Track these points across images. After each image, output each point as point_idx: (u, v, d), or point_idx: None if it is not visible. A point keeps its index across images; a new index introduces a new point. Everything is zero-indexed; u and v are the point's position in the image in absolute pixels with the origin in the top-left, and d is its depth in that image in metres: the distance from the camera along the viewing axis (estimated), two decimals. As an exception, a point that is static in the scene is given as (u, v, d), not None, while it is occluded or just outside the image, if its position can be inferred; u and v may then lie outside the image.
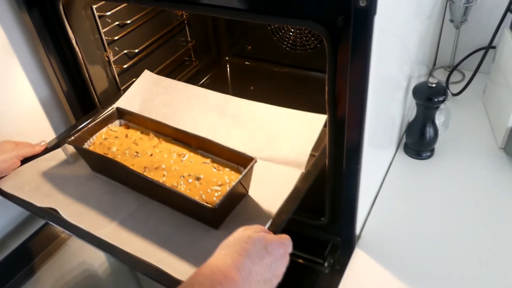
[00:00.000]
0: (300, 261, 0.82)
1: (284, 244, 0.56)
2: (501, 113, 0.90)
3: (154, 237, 0.68)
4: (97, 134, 0.84)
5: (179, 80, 1.18)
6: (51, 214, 0.72)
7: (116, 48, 1.00)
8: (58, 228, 0.71)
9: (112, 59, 0.97)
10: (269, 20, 0.62)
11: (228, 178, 0.73)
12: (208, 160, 0.77)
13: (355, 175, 0.66)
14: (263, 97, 0.89)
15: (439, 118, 0.90)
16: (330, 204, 0.75)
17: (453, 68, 1.07)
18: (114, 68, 0.99)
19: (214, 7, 0.63)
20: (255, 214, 0.70)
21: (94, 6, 0.90)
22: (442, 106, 0.87)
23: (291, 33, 1.15)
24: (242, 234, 0.56)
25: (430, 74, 1.15)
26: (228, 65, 1.30)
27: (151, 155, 0.79)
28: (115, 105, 0.90)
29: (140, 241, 0.67)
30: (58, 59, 0.89)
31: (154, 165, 0.77)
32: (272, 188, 0.73)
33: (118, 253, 0.66)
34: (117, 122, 0.88)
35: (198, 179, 0.73)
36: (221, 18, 1.23)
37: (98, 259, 1.01)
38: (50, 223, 0.71)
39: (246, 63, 1.29)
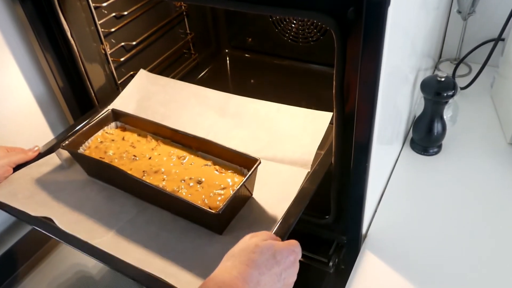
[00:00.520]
0: (302, 259, 0.80)
1: (293, 251, 0.54)
2: (510, 108, 0.88)
3: (155, 244, 0.65)
4: (92, 137, 0.80)
5: (178, 73, 1.16)
6: (46, 224, 0.68)
7: (112, 40, 0.97)
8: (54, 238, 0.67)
9: (108, 52, 0.94)
10: (274, 11, 0.59)
11: (231, 180, 0.70)
12: (210, 162, 0.74)
13: (363, 173, 0.64)
14: (263, 91, 0.87)
15: (446, 113, 0.88)
16: (336, 202, 0.73)
17: (460, 61, 1.05)
18: (111, 61, 0.95)
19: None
20: (260, 218, 0.67)
21: (90, -3, 0.87)
22: (450, 100, 0.84)
23: (293, 25, 1.12)
24: (248, 242, 0.53)
25: (436, 67, 1.12)
26: (228, 58, 1.27)
27: (150, 158, 0.76)
28: (110, 106, 0.86)
29: (140, 250, 0.64)
30: (53, 52, 0.86)
31: (153, 168, 0.73)
32: (277, 190, 0.70)
33: (117, 263, 0.62)
34: (113, 124, 0.83)
35: (199, 182, 0.70)
36: (221, 10, 1.20)
37: (92, 260, 1.00)
38: (45, 233, 0.67)
39: (247, 55, 1.26)
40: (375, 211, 0.79)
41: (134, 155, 0.76)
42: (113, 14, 0.95)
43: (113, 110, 0.83)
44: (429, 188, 0.82)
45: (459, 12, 1.01)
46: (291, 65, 1.19)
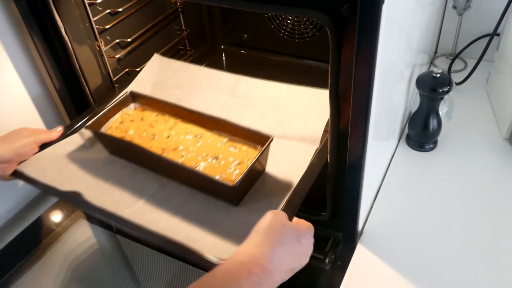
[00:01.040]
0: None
1: (312, 235, 0.59)
2: (506, 103, 0.88)
3: (178, 215, 0.69)
4: (112, 118, 0.84)
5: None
6: (75, 197, 0.72)
7: (107, 37, 0.96)
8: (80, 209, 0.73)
9: (103, 49, 0.94)
10: (269, 9, 0.59)
11: (245, 156, 0.74)
12: (225, 140, 0.78)
13: (359, 170, 0.64)
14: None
15: (442, 109, 0.88)
16: (332, 199, 0.73)
17: (455, 56, 1.05)
18: (106, 58, 0.95)
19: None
20: (273, 191, 0.72)
21: (84, -7, 0.86)
22: (445, 96, 0.84)
23: (288, 21, 1.11)
24: (274, 221, 0.57)
25: (432, 63, 1.12)
26: (224, 54, 1.27)
27: (168, 137, 0.80)
28: (128, 88, 0.91)
29: (164, 220, 0.68)
30: (47, 50, 0.85)
31: (171, 146, 0.78)
32: (288, 165, 0.75)
33: (144, 232, 0.66)
34: (131, 105, 0.88)
35: (216, 158, 0.75)
36: (216, 6, 1.20)
37: (92, 254, 0.99)
38: (75, 205, 0.73)
39: (242, 51, 1.26)
40: (371, 207, 0.79)
41: (153, 134, 0.81)
42: (108, 10, 0.94)
43: (131, 92, 0.88)
44: (425, 184, 0.83)
45: (454, 7, 1.01)
46: (287, 61, 1.19)
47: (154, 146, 0.78)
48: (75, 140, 0.84)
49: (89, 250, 0.97)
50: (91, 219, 0.99)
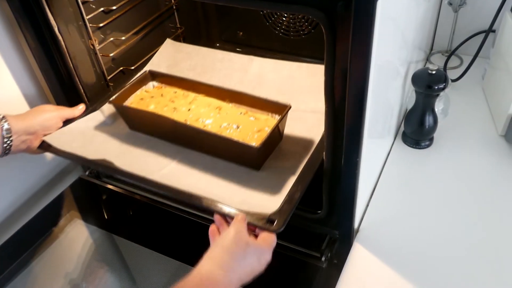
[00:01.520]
0: (291, 254, 0.80)
1: (271, 251, 0.61)
2: (501, 99, 0.88)
3: (203, 180, 0.73)
4: (132, 95, 0.88)
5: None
6: (105, 165, 0.76)
7: (101, 35, 0.96)
8: (112, 175, 0.80)
9: (97, 47, 0.93)
10: (263, 5, 0.59)
11: (265, 125, 0.79)
12: (244, 111, 0.82)
13: (354, 168, 0.64)
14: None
15: (438, 106, 0.88)
16: (328, 197, 0.72)
17: (451, 53, 1.04)
18: (100, 57, 0.94)
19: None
20: (290, 157, 0.75)
21: (77, -9, 0.86)
22: (441, 93, 0.84)
23: (284, 18, 1.11)
24: (238, 239, 0.58)
25: (427, 60, 1.12)
26: (219, 52, 1.26)
27: (189, 110, 0.83)
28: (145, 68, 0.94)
29: (191, 184, 0.71)
30: (40, 49, 0.84)
31: (193, 118, 0.81)
32: (303, 134, 0.79)
33: (174, 190, 0.70)
34: (150, 84, 0.91)
35: (237, 127, 0.79)
36: (212, 3, 1.19)
37: (87, 254, 0.99)
38: (106, 172, 0.78)
39: (238, 49, 1.25)
40: (367, 205, 0.79)
41: (174, 108, 0.84)
42: (102, 8, 0.93)
43: (150, 71, 0.91)
44: (421, 181, 0.82)
45: (450, 3, 1.01)
46: (282, 58, 1.18)
47: (176, 118, 0.80)
48: (97, 117, 0.88)
49: (84, 250, 0.97)
50: (86, 218, 0.98)
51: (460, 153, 0.87)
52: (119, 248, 0.97)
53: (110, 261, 0.97)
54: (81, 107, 0.87)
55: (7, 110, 0.87)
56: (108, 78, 0.98)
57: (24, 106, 0.90)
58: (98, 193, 1.01)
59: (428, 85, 0.78)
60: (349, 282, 0.69)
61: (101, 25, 0.93)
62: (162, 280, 0.87)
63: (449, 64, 1.05)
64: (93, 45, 0.92)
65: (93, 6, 0.91)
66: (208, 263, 0.56)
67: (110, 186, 0.97)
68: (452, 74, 1.02)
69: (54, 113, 0.82)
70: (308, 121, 0.81)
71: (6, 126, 0.75)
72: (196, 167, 0.76)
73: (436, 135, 0.88)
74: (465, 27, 1.06)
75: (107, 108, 0.89)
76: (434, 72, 0.78)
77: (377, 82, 0.60)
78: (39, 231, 0.95)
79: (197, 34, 1.23)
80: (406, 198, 0.80)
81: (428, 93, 0.80)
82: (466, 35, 1.04)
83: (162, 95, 0.88)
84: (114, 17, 0.97)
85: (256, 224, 0.63)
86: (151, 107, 0.85)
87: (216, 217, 0.65)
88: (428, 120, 0.84)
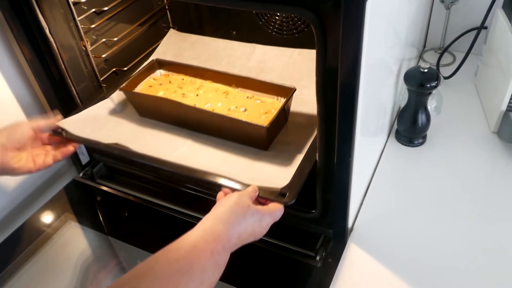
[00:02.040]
0: (286, 253, 0.80)
1: (272, 221, 0.63)
2: (494, 96, 0.88)
3: (214, 161, 0.76)
4: (141, 83, 0.91)
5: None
6: (119, 148, 0.78)
7: (93, 36, 0.95)
8: (127, 157, 0.78)
9: (89, 48, 0.93)
10: (251, 6, 0.59)
11: (271, 107, 0.82)
12: (250, 95, 0.86)
13: (347, 167, 0.64)
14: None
15: (430, 103, 0.88)
16: (322, 196, 0.72)
17: (444, 50, 1.05)
18: (92, 58, 0.94)
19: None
20: (296, 138, 0.79)
21: (68, -7, 0.85)
22: (434, 91, 0.84)
23: (277, 18, 1.11)
24: (241, 200, 0.61)
25: (420, 57, 1.12)
26: (212, 51, 1.26)
27: (197, 95, 0.87)
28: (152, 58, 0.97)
29: (202, 164, 0.73)
30: (32, 51, 0.83)
31: (201, 102, 0.85)
32: (306, 117, 0.82)
33: (189, 169, 0.72)
34: (157, 72, 0.94)
35: (245, 110, 0.82)
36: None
37: (82, 256, 0.99)
38: (122, 155, 0.78)
39: (231, 49, 1.25)
40: (361, 203, 0.79)
41: (183, 94, 0.88)
42: (93, 9, 0.93)
43: (158, 59, 0.95)
44: (415, 179, 0.83)
45: (442, 1, 1.01)
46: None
47: (185, 103, 0.82)
48: (107, 105, 0.91)
49: (79, 252, 0.96)
50: (81, 220, 0.98)
51: (453, 150, 0.87)
52: (114, 250, 0.96)
53: (105, 262, 0.97)
54: (57, 116, 0.83)
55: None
56: (101, 79, 0.97)
57: (16, 109, 0.89)
58: (92, 195, 1.01)
59: (420, 83, 0.78)
60: (344, 280, 0.69)
61: (93, 26, 0.93)
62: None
63: (442, 61, 1.05)
64: (85, 46, 0.92)
65: (85, 7, 0.91)
66: (209, 219, 0.58)
67: (104, 188, 0.97)
68: (445, 71, 1.02)
69: (25, 124, 0.76)
70: (311, 104, 0.83)
71: None
72: (206, 149, 0.79)
73: (429, 132, 0.89)
74: (458, 24, 1.06)
75: (117, 96, 0.92)
76: (426, 70, 0.78)
77: (369, 80, 0.60)
78: (33, 233, 0.95)
79: (190, 34, 1.23)
80: (400, 196, 0.80)
81: (420, 91, 0.80)
82: (459, 32, 1.05)
83: (170, 82, 0.92)
84: (106, 18, 0.96)
85: (268, 198, 0.66)
86: (160, 94, 0.87)
87: (225, 189, 0.68)
88: (421, 118, 0.84)
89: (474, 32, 0.96)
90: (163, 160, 0.75)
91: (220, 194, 0.67)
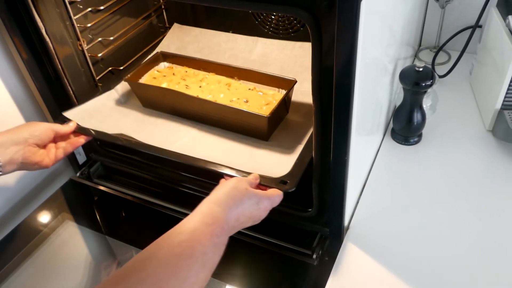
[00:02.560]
0: (283, 252, 0.80)
1: (271, 206, 0.64)
2: (488, 94, 0.89)
3: (216, 151, 0.78)
4: (145, 75, 0.93)
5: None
6: (125, 139, 0.80)
7: (89, 36, 0.95)
8: (132, 147, 0.81)
9: (85, 47, 0.93)
10: (247, 6, 0.59)
11: (273, 98, 0.84)
12: (252, 87, 0.88)
13: (343, 166, 0.64)
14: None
15: (426, 102, 0.88)
16: (318, 195, 0.73)
17: (439, 49, 1.05)
18: (88, 58, 0.94)
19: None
20: (296, 129, 0.81)
21: (63, -8, 0.85)
22: (429, 89, 0.85)
23: (273, 17, 1.11)
24: (239, 185, 0.62)
25: (416, 56, 1.13)
26: (208, 51, 1.26)
27: (200, 87, 0.89)
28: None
29: (205, 154, 0.75)
30: (28, 50, 0.83)
31: (204, 94, 0.87)
32: (306, 109, 0.84)
33: (191, 159, 0.74)
34: (161, 64, 0.97)
35: (246, 101, 0.84)
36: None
37: (79, 256, 0.99)
38: (127, 145, 0.81)
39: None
40: (357, 202, 0.80)
41: (186, 85, 0.90)
42: (89, 9, 0.93)
43: (162, 52, 0.98)
44: (410, 178, 0.83)
45: (436, 0, 1.02)
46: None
47: (189, 94, 0.85)
48: (111, 96, 0.93)
49: (76, 252, 0.97)
50: (78, 220, 0.98)
51: (449, 148, 0.87)
52: (112, 250, 0.96)
53: (102, 262, 0.97)
54: (72, 124, 0.83)
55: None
56: (97, 78, 0.97)
57: (12, 108, 0.89)
58: (89, 195, 1.01)
59: (415, 82, 0.79)
60: (341, 278, 0.70)
61: (89, 25, 0.93)
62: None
63: (437, 60, 1.06)
64: (81, 45, 0.91)
65: (81, 6, 0.91)
66: (207, 202, 0.59)
67: (101, 187, 0.97)
68: (440, 70, 1.02)
69: (46, 124, 0.79)
70: (311, 97, 0.84)
71: None
72: (209, 139, 0.82)
73: (424, 131, 0.89)
74: (453, 23, 1.07)
75: (121, 87, 0.94)
76: (421, 69, 0.79)
77: (364, 79, 0.60)
78: (30, 233, 0.95)
79: (186, 33, 1.23)
80: (395, 194, 0.80)
81: (415, 90, 0.80)
82: (454, 30, 1.05)
83: (173, 74, 0.94)
84: (102, 17, 0.96)
85: (269, 186, 0.67)
86: (164, 85, 0.89)
87: (227, 177, 0.70)
88: (417, 116, 0.84)
89: (469, 30, 0.96)
90: (167, 150, 0.77)
91: (222, 181, 0.68)
